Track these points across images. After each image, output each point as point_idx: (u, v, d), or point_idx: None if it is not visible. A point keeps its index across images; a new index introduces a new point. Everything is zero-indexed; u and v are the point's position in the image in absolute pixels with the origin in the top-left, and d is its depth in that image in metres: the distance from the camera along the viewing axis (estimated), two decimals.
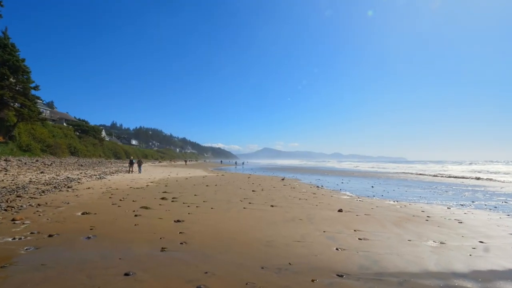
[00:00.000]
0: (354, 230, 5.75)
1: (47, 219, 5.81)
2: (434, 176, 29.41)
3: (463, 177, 26.64)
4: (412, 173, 33.65)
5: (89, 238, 4.67)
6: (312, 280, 3.30)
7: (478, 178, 24.91)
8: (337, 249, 4.49)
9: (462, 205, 10.03)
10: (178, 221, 6.09)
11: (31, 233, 4.82)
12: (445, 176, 28.43)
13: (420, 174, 32.54)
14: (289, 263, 3.79)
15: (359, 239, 5.12)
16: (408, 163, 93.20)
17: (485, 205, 10.19)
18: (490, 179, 23.86)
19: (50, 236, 4.68)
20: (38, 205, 7.29)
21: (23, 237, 4.55)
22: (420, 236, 5.42)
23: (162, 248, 4.24)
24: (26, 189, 10.07)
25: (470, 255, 4.38)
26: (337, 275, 3.48)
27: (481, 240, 5.23)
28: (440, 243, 5.01)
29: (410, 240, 5.12)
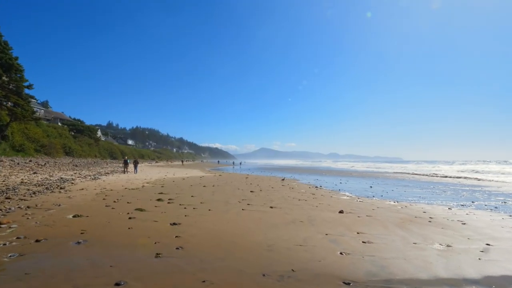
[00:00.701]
0: (357, 233, 5.55)
1: (36, 223, 5.53)
2: (431, 176, 29.48)
3: (459, 177, 26.72)
4: (408, 173, 33.71)
5: (79, 243, 4.40)
6: None
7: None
8: (341, 253, 4.28)
9: (463, 205, 9.92)
10: (174, 224, 5.84)
11: (17, 238, 4.54)
12: (441, 176, 28.50)
13: (417, 174, 32.61)
14: (292, 270, 3.57)
15: (363, 242, 4.91)
16: (403, 163, 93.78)
17: (485, 205, 10.09)
18: (487, 180, 23.93)
19: (37, 241, 4.40)
20: (28, 207, 6.98)
21: (7, 243, 4.27)
22: (425, 239, 5.24)
23: (157, 254, 3.99)
24: (17, 190, 9.73)
25: (479, 259, 4.20)
26: (344, 282, 3.26)
27: (488, 243, 5.06)
28: (447, 246, 4.83)
29: (415, 243, 4.93)
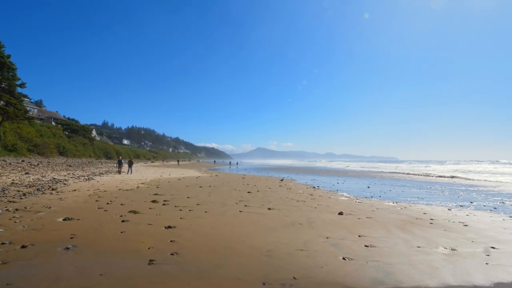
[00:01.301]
0: (359, 236, 5.39)
1: (23, 227, 5.26)
2: (426, 175, 29.61)
3: (454, 177, 26.86)
4: (404, 173, 33.82)
5: (67, 248, 4.16)
6: None
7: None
8: (343, 258, 4.10)
9: (462, 206, 9.85)
10: (169, 227, 5.61)
11: (2, 243, 4.27)
12: (437, 176, 28.63)
13: (412, 174, 32.74)
14: (294, 277, 3.38)
15: (365, 246, 4.75)
16: (398, 163, 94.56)
17: (484, 206, 10.04)
18: (482, 179, 24.06)
19: (23, 247, 4.15)
20: (16, 210, 6.69)
21: None
22: (429, 242, 5.10)
23: (150, 260, 3.77)
24: (6, 191, 9.39)
25: (487, 263, 4.06)
26: None
27: (493, 246, 4.94)
28: (451, 249, 4.69)
29: (419, 247, 4.78)
